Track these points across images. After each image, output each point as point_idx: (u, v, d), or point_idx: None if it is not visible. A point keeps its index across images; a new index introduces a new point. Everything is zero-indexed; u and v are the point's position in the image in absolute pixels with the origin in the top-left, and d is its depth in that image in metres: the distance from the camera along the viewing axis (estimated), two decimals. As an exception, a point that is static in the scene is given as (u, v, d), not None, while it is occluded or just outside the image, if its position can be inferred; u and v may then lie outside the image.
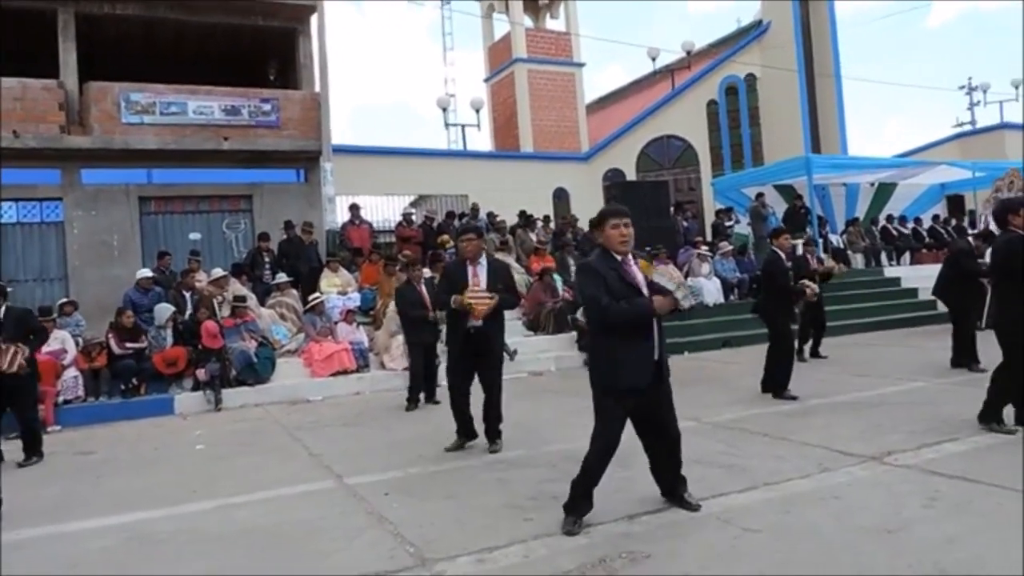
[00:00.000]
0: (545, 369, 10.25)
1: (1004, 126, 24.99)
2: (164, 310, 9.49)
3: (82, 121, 11.94)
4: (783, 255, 7.45)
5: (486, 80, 22.60)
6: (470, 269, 5.63)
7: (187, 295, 10.19)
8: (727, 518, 3.78)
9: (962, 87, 27.18)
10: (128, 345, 9.02)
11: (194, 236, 12.77)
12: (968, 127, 26.46)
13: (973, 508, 3.70)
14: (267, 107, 12.88)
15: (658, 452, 4.01)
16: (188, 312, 9.82)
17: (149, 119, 12.14)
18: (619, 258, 3.79)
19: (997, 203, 5.54)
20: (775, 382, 7.21)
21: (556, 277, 11.93)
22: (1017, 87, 25.71)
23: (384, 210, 16.54)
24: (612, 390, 3.72)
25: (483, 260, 5.74)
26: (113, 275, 11.58)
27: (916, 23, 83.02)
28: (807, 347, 9.79)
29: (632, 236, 3.81)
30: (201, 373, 8.87)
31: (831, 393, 7.21)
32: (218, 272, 10.53)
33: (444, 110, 20.83)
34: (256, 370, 9.21)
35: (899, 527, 3.49)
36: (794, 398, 6.96)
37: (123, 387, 8.83)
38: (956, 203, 20.04)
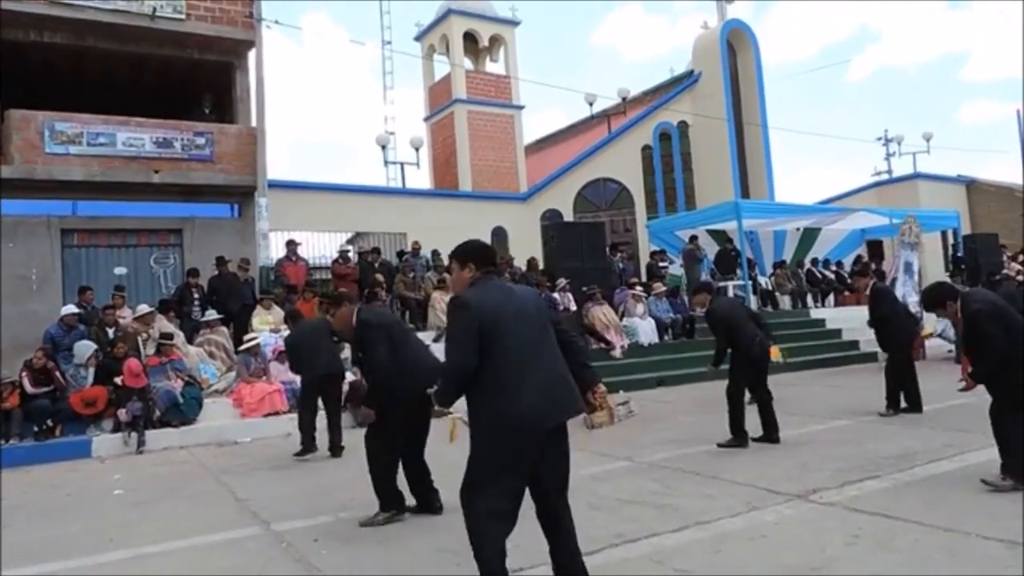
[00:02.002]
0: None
1: (917, 176, 26.56)
2: (84, 348, 9.07)
3: (2, 150, 11.48)
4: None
5: (426, 119, 22.77)
6: None
7: (110, 332, 9.79)
8: (660, 559, 3.81)
9: (879, 138, 28.72)
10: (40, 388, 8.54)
11: (120, 271, 12.33)
12: (885, 176, 27.96)
13: (893, 545, 3.82)
14: (201, 140, 12.66)
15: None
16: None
17: (75, 149, 11.76)
18: None
19: (926, 291, 5.52)
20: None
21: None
22: (928, 140, 27.38)
23: (321, 247, 16.34)
24: None
25: None
26: (31, 311, 11.06)
27: (837, 77, 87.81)
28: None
29: None
30: (122, 414, 8.48)
31: (759, 431, 7.36)
32: (144, 308, 10.16)
33: (383, 148, 20.82)
34: (182, 410, 8.87)
35: (823, 565, 3.58)
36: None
37: (36, 429, 8.36)
38: (875, 247, 21.09)
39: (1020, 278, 15.96)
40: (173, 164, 12.42)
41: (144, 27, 12.27)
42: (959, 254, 18.47)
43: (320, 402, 7.68)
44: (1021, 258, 18.53)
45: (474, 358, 3.02)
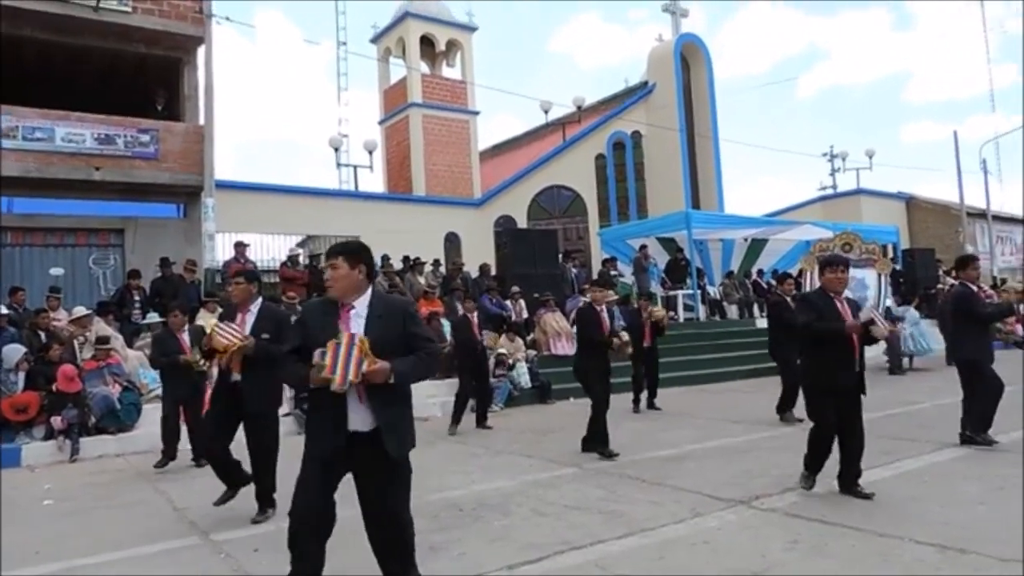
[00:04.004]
0: (431, 415, 10.11)
1: (860, 191, 27.46)
2: (14, 351, 8.67)
3: (-70, 143, 10.98)
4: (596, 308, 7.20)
5: (380, 122, 22.60)
6: (239, 317, 5.16)
7: (43, 335, 9.40)
8: (604, 566, 3.82)
9: (825, 154, 29.60)
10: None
11: (56, 271, 11.85)
12: (830, 190, 28.80)
13: (829, 550, 3.91)
14: (145, 138, 12.31)
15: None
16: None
17: (10, 144, 11.31)
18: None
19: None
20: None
21: (444, 322, 11.88)
22: (871, 157, 28.32)
23: (270, 249, 16.03)
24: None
25: (254, 307, 5.20)
26: (-42, 312, 10.55)
27: (787, 93, 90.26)
28: (643, 398, 10.15)
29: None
30: (56, 420, 8.14)
31: (705, 439, 7.48)
32: (81, 310, 9.78)
33: (336, 150, 20.57)
34: (119, 417, 8.57)
35: (763, 569, 3.64)
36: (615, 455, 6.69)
37: (-38, 436, 7.97)
38: (819, 260, 21.63)
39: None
40: (115, 162, 12.04)
41: (87, 19, 11.87)
42: (898, 268, 19.10)
43: None
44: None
45: None
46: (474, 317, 9.54)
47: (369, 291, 3.22)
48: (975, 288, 6.47)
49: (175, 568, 4.14)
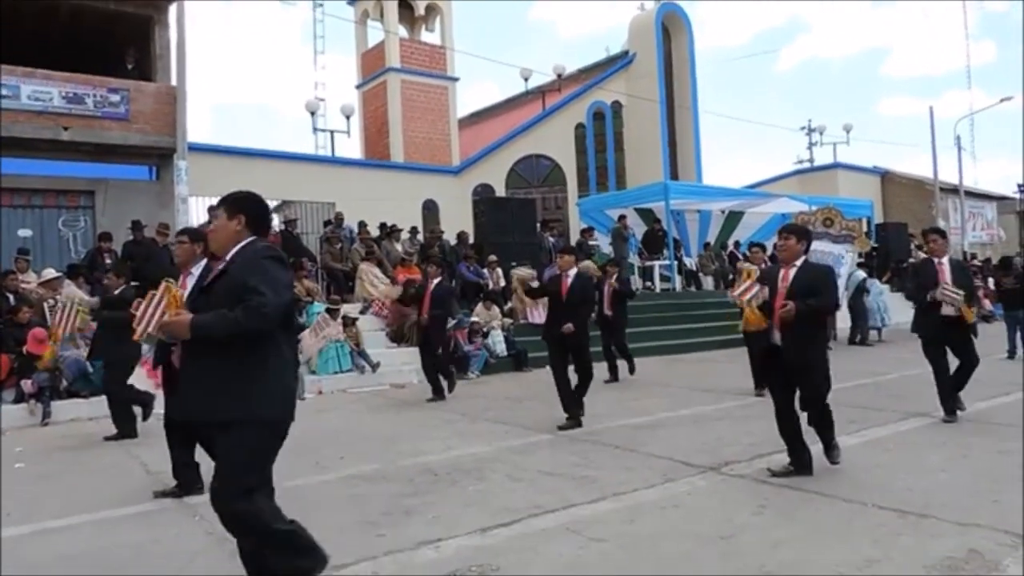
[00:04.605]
0: (407, 381, 10.14)
1: (837, 165, 27.68)
2: (-18, 313, 8.55)
3: None
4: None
5: (358, 87, 22.24)
6: (180, 279, 4.65)
7: (11, 297, 9.23)
8: (576, 529, 3.88)
9: (802, 128, 29.73)
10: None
11: (24, 233, 11.63)
12: (807, 164, 28.99)
13: (797, 515, 4.00)
14: (116, 98, 12.01)
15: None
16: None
17: (-27, 101, 10.97)
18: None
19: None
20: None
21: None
22: (848, 131, 28.52)
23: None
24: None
25: (195, 270, 4.77)
26: (-78, 273, 10.31)
27: (767, 66, 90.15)
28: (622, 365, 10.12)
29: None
30: (27, 384, 8.04)
31: (679, 407, 7.59)
32: (50, 273, 9.62)
33: (313, 114, 20.25)
34: (91, 380, 8.47)
35: (731, 534, 3.72)
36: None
37: (-71, 399, 7.85)
38: (795, 232, 21.85)
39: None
40: (84, 121, 11.74)
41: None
42: (874, 244, 19.36)
43: None
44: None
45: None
46: (430, 285, 8.93)
47: (243, 243, 2.91)
48: (936, 261, 6.54)
49: (148, 530, 4.14)
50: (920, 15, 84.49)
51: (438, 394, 8.63)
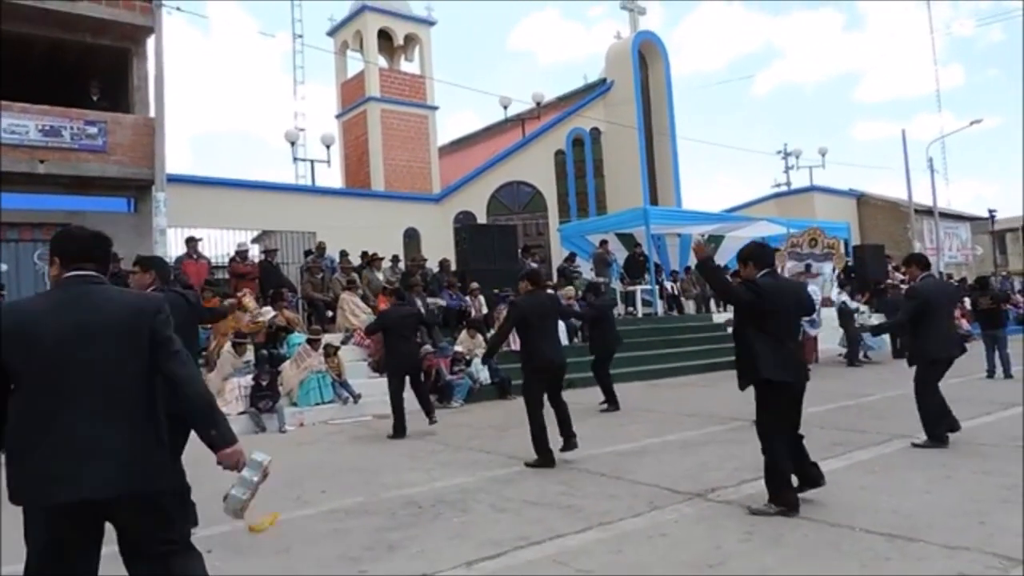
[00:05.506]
0: (390, 412, 10.02)
1: (813, 189, 28.07)
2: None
3: None
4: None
5: (338, 116, 22.31)
6: None
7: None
8: (563, 560, 3.82)
9: (779, 152, 30.14)
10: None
11: (-1, 267, 11.46)
12: (784, 187, 29.38)
13: (784, 540, 3.97)
14: (93, 130, 11.93)
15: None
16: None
17: (-52, 135, 10.86)
18: None
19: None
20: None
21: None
22: (823, 155, 28.96)
23: (224, 245, 15.66)
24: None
25: None
26: None
27: (743, 91, 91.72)
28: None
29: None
30: None
31: (663, 433, 7.56)
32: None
33: (293, 144, 20.23)
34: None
35: (719, 561, 3.68)
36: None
37: None
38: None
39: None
40: (61, 154, 11.65)
41: (30, 6, 11.44)
42: (850, 263, 19.58)
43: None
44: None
45: None
46: (391, 313, 8.81)
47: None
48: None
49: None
50: (890, 40, 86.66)
51: (398, 432, 8.15)
